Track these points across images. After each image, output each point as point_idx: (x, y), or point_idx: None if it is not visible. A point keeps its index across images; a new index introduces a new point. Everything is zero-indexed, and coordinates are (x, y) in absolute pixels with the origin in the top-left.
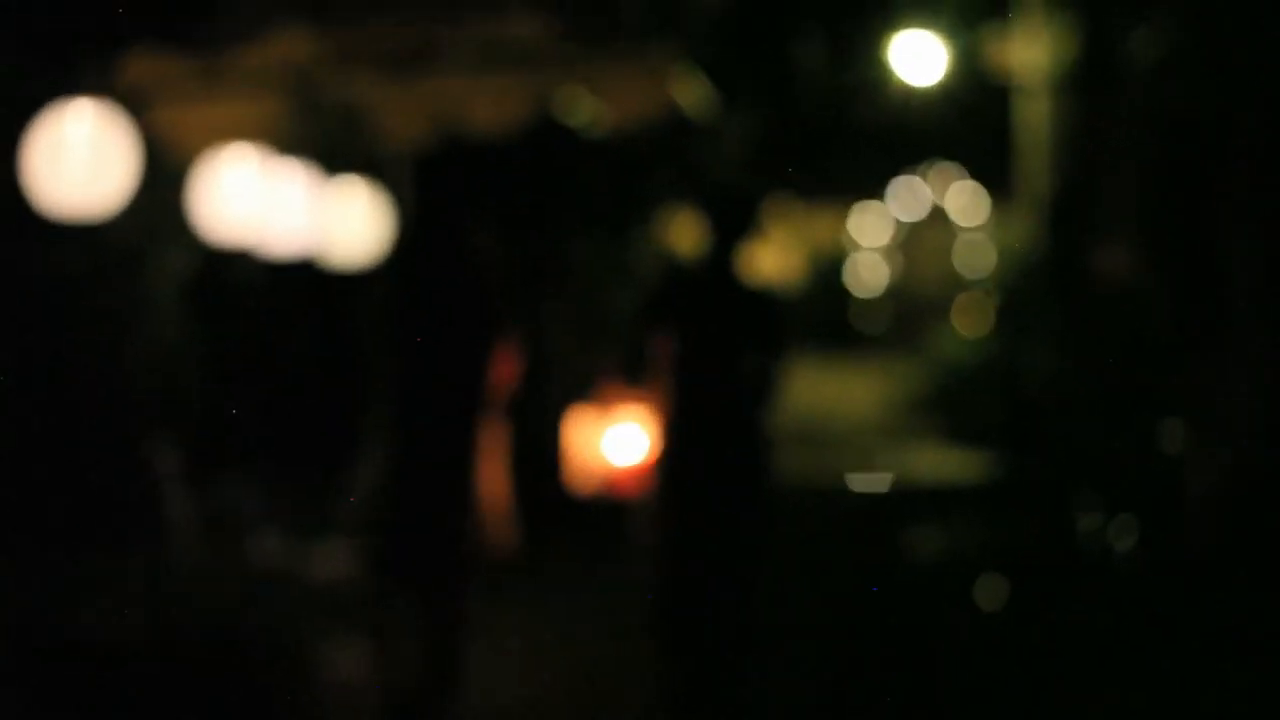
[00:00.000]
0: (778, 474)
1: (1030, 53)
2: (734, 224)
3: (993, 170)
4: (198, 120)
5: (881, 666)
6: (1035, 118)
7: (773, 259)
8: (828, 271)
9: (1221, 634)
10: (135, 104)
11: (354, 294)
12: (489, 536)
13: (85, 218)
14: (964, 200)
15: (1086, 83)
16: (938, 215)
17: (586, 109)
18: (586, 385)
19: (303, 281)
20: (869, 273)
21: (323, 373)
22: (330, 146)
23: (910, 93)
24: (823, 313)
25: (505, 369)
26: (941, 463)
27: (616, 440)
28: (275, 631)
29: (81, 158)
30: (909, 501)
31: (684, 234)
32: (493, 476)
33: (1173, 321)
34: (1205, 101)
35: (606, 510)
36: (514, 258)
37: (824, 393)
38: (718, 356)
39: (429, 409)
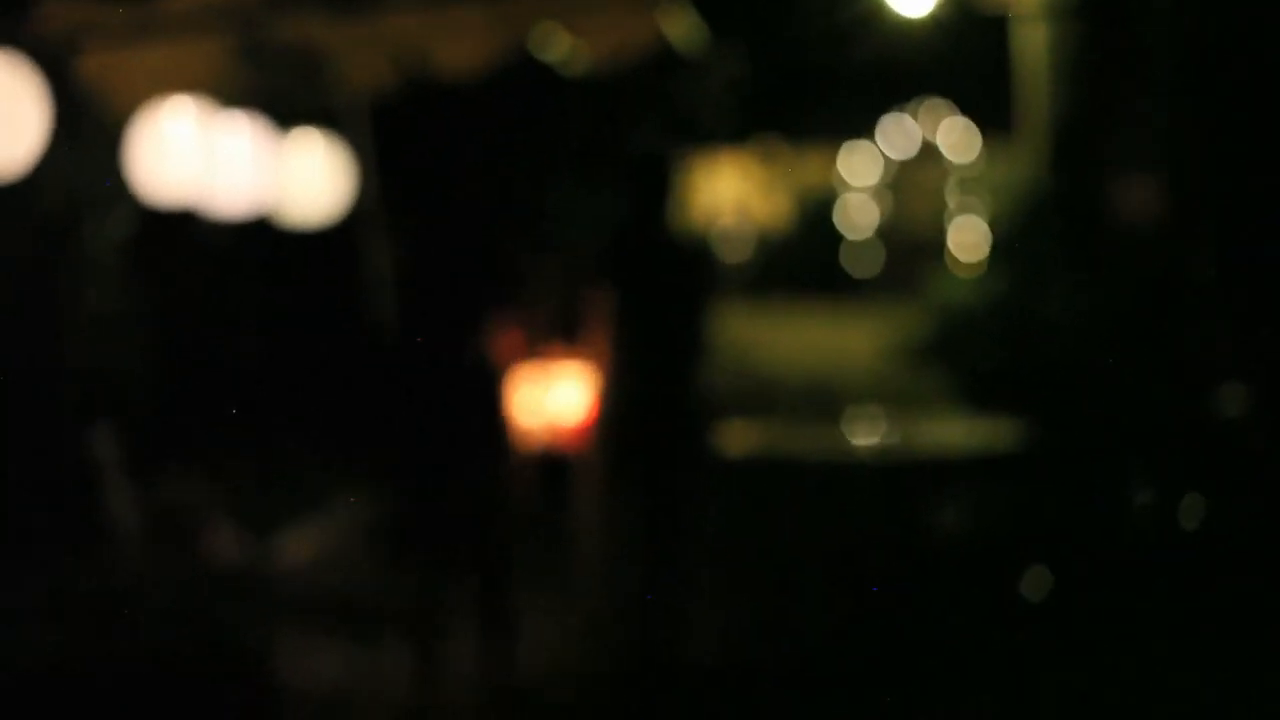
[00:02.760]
0: (764, 439)
1: None
2: (654, 184)
3: (985, 105)
4: (131, 71)
5: (905, 667)
6: (1036, 46)
7: (760, 202)
8: (817, 214)
9: None
10: (53, 54)
11: (313, 255)
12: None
13: None
14: (955, 137)
15: (1094, 6)
16: (928, 153)
17: (563, 46)
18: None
19: (255, 243)
20: (859, 214)
21: (281, 345)
22: (280, 95)
23: (900, 27)
24: (813, 256)
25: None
26: (956, 426)
27: (558, 397)
28: (235, 637)
29: None
30: (925, 473)
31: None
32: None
33: (1214, 265)
34: (1241, 18)
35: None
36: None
37: (816, 341)
38: (649, 312)
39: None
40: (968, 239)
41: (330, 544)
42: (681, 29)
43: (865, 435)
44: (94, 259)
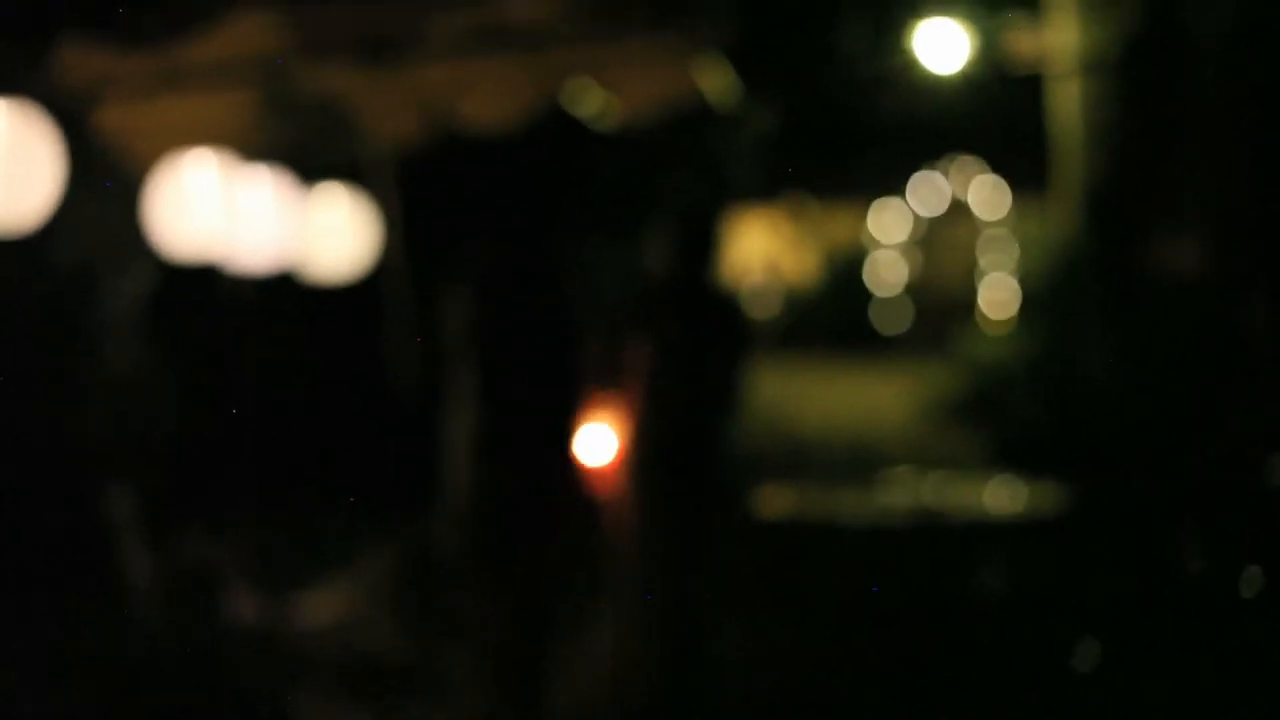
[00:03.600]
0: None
1: (1066, 34)
2: (696, 239)
3: (1016, 163)
4: (151, 123)
5: None
6: (1071, 102)
7: (790, 258)
8: (847, 270)
9: None
10: (71, 105)
11: (338, 313)
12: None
13: (2, 233)
14: (986, 194)
15: (1136, 61)
16: (957, 210)
17: (596, 100)
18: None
19: (278, 300)
20: (888, 271)
21: (304, 403)
22: (304, 148)
23: (932, 85)
24: (842, 312)
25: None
26: (995, 488)
27: (588, 440)
28: (256, 701)
29: None
30: (965, 537)
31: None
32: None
33: (1260, 322)
34: None
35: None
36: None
37: (846, 399)
38: (684, 364)
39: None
40: (998, 296)
41: (355, 602)
42: (716, 83)
43: (902, 498)
44: (112, 316)
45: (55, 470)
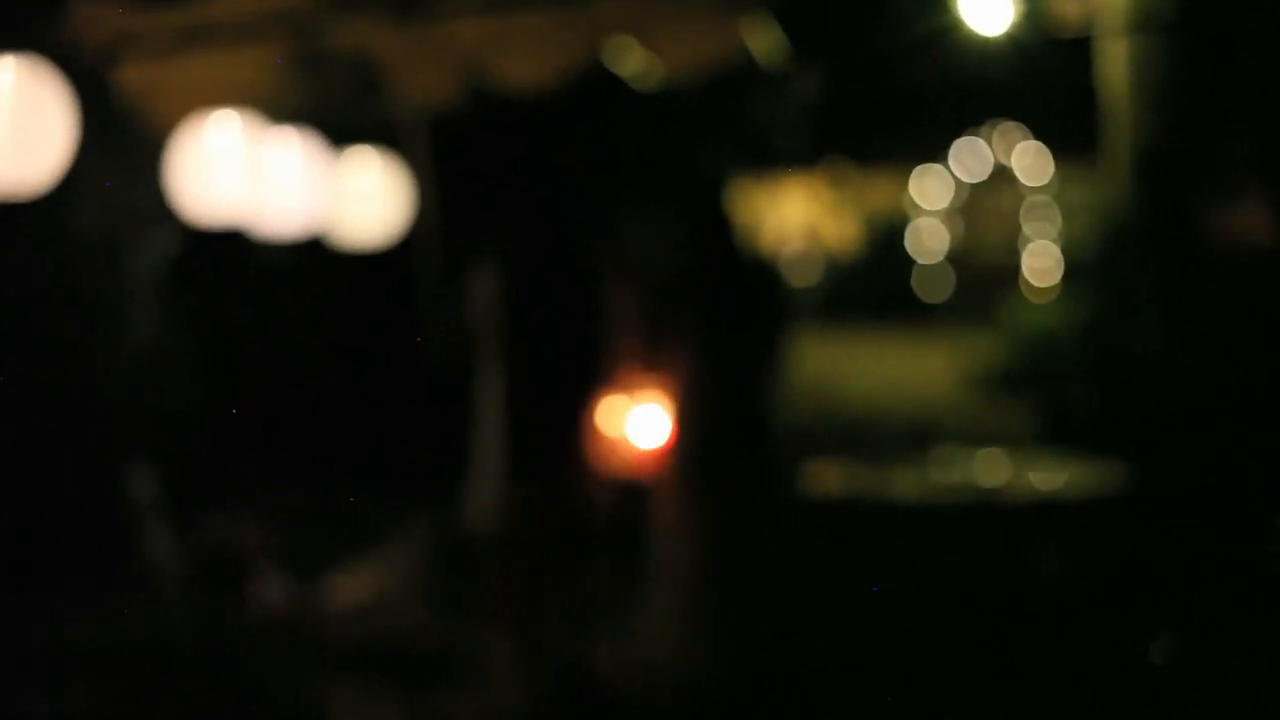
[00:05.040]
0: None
1: None
2: (726, 207)
3: (1059, 128)
4: (174, 82)
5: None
6: (1121, 64)
7: (829, 226)
8: (888, 237)
9: None
10: (88, 64)
11: (370, 280)
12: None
13: (11, 195)
14: (1029, 160)
15: (1193, 18)
16: (1000, 176)
17: (638, 60)
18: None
19: (308, 268)
20: (930, 238)
21: (336, 374)
22: (334, 109)
23: (975, 48)
24: (883, 280)
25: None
26: (1051, 464)
27: (638, 422)
28: (283, 690)
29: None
30: (1022, 517)
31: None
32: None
33: None
34: None
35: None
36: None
37: (889, 368)
38: (726, 339)
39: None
40: (1043, 264)
41: (385, 585)
42: (765, 43)
43: (954, 475)
44: (134, 284)
45: (74, 449)
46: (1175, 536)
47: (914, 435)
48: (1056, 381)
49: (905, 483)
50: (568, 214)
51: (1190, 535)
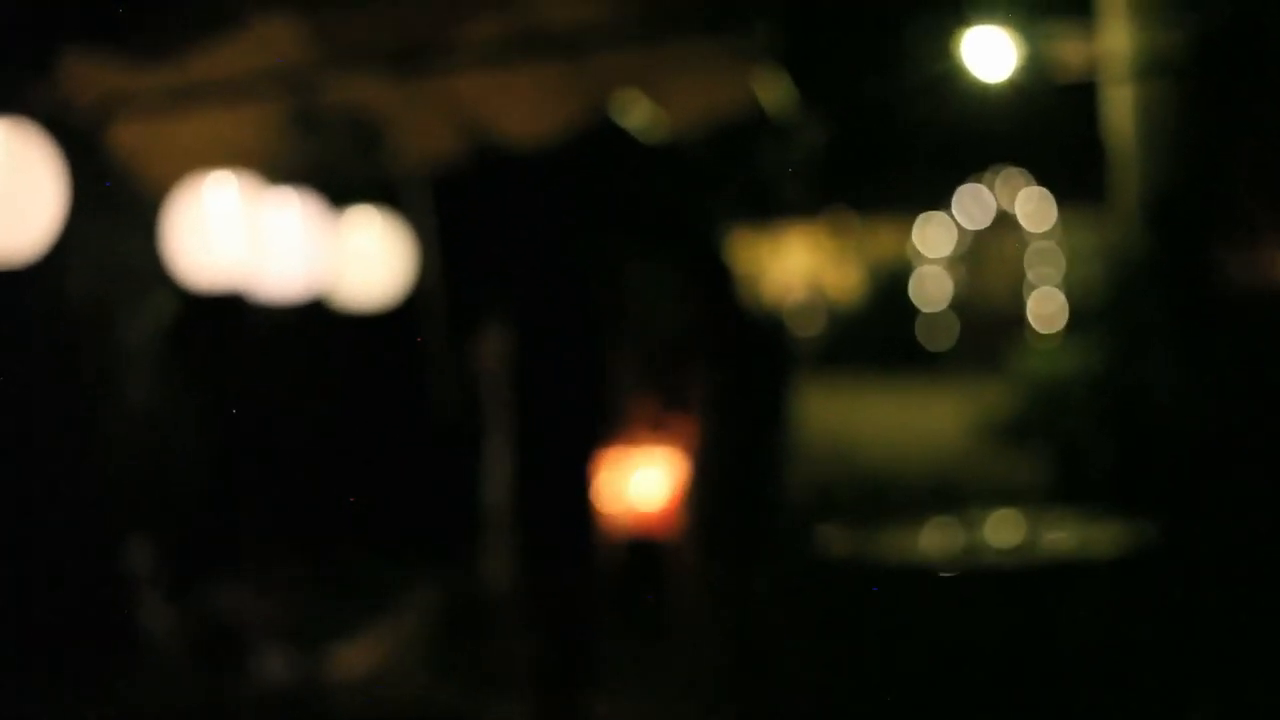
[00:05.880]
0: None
1: (1122, 37)
2: (716, 264)
3: (1062, 173)
4: (168, 142)
5: None
6: (1128, 109)
7: (833, 275)
8: (891, 286)
9: None
10: (79, 124)
11: (372, 342)
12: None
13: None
14: (1032, 206)
15: (1201, 62)
16: (1003, 223)
17: (643, 112)
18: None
19: (308, 331)
20: (934, 286)
21: (335, 441)
22: (334, 168)
23: (977, 95)
24: (887, 329)
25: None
26: (1077, 522)
27: (644, 481)
28: None
29: None
30: (1047, 580)
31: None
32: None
33: None
34: None
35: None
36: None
37: (895, 419)
38: (739, 393)
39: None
40: (1048, 310)
41: (392, 652)
42: (774, 93)
43: (970, 538)
44: (130, 350)
45: (70, 518)
46: (1203, 594)
47: (925, 492)
48: (1069, 430)
49: (919, 545)
50: (572, 269)
51: (1217, 592)
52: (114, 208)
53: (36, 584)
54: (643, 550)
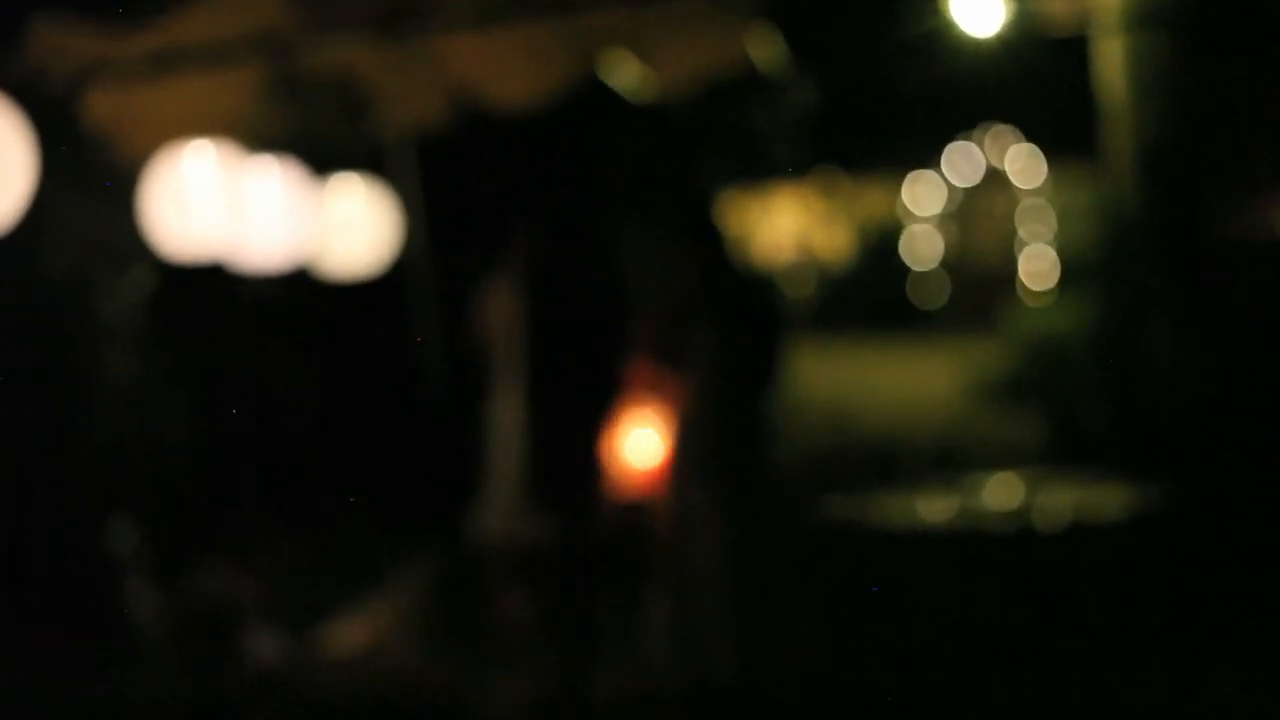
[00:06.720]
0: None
1: None
2: (703, 228)
3: (1052, 130)
4: (146, 111)
5: None
6: (1120, 62)
7: (823, 235)
8: (882, 245)
9: None
10: (50, 94)
11: (357, 312)
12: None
13: None
14: (1022, 163)
15: (1196, 12)
16: (993, 180)
17: (632, 73)
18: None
19: (291, 301)
20: (924, 244)
21: (322, 414)
22: (317, 135)
23: (966, 51)
24: (879, 288)
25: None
26: (1075, 483)
27: (638, 443)
28: None
29: None
30: (1055, 541)
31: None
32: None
33: None
34: None
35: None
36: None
37: (889, 380)
38: (732, 354)
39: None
40: (1039, 267)
41: (385, 630)
42: (766, 52)
43: (971, 501)
44: (109, 324)
45: (51, 499)
46: (1203, 555)
47: (922, 454)
48: (1066, 389)
49: (914, 510)
50: (562, 231)
51: (1218, 552)
52: (90, 179)
53: (16, 565)
54: (636, 511)
